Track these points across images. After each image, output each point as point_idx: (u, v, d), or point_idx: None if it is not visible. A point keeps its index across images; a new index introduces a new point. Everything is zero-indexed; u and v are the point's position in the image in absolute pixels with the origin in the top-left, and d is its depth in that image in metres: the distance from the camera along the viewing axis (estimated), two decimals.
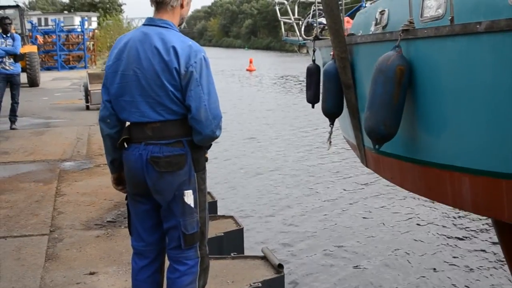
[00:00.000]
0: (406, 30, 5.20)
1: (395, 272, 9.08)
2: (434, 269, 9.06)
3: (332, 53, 6.70)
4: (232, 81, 43.58)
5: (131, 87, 3.91)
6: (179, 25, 4.15)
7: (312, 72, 8.17)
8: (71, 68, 42.57)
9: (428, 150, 5.38)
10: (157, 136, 3.89)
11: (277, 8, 11.10)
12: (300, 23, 10.37)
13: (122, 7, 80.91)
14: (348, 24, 7.75)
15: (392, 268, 9.23)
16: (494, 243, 9.47)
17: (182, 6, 4.09)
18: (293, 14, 10.41)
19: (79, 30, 45.12)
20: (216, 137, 3.99)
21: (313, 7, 10.79)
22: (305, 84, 8.45)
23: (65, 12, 65.98)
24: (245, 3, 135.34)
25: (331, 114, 7.06)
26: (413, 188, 6.05)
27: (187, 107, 3.86)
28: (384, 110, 5.19)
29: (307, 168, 15.93)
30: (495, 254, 9.26)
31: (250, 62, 54.04)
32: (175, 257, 4.04)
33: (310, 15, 10.74)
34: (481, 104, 4.71)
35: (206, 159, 4.15)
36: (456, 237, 10.30)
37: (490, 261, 9.14)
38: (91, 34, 47.23)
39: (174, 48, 3.83)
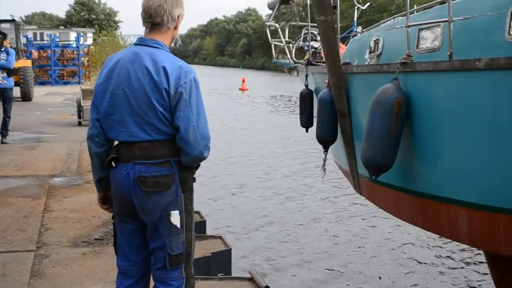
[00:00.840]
0: (404, 63, 5.25)
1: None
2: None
3: (327, 80, 6.73)
4: (224, 100, 43.69)
5: (121, 106, 3.89)
6: (169, 45, 4.11)
7: (305, 97, 8.25)
8: (65, 83, 42.58)
9: (424, 181, 5.41)
10: (145, 156, 3.87)
11: (267, 30, 11.14)
12: (291, 46, 10.42)
13: (118, 24, 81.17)
14: (341, 50, 7.80)
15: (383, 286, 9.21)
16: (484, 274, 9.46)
17: (176, 27, 4.07)
18: (284, 37, 10.44)
19: (74, 45, 45.22)
20: (204, 158, 3.97)
21: (304, 30, 10.88)
22: (296, 104, 8.53)
23: (61, 27, 66.22)
24: (241, 23, 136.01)
25: (326, 141, 7.10)
26: (408, 218, 6.06)
27: (176, 127, 3.85)
28: (382, 141, 5.24)
29: (296, 187, 15.91)
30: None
31: (243, 81, 54.21)
32: (160, 278, 4.00)
33: (301, 38, 10.81)
34: (480, 139, 4.75)
35: (194, 180, 4.12)
36: (445, 262, 10.29)
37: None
38: (86, 50, 47.35)
39: (164, 68, 3.82)
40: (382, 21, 7.71)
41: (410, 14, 6.59)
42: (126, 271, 4.13)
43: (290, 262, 10.30)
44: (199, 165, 4.11)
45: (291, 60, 10.18)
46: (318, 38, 9.88)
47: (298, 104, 8.48)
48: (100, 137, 4.04)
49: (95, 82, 4.16)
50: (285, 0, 10.66)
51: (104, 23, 75.37)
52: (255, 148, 22.54)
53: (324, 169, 7.74)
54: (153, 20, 3.95)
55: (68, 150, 14.13)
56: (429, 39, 5.60)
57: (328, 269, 10.12)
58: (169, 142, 3.89)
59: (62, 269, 6.27)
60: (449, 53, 4.87)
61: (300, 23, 11.00)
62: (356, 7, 10.06)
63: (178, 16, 4.02)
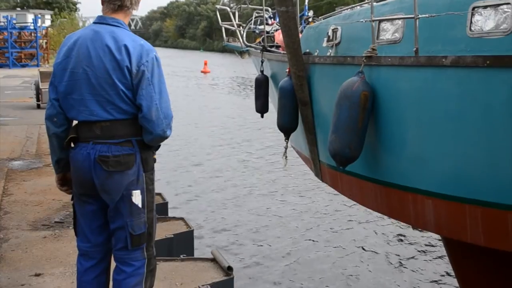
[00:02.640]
0: (369, 57, 5.33)
1: (344, 273, 9.16)
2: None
3: (288, 69, 6.77)
4: (186, 82, 43.46)
5: (81, 85, 3.82)
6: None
7: (261, 83, 8.30)
8: (23, 66, 41.88)
9: (390, 171, 5.52)
10: (106, 135, 3.81)
11: (218, 14, 11.13)
12: (242, 29, 10.41)
13: (77, 6, 79.88)
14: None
15: (341, 269, 9.31)
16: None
17: (134, 7, 4.05)
18: (235, 20, 10.40)
19: (32, 27, 44.42)
20: (167, 137, 3.93)
21: (255, 14, 10.87)
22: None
23: (18, 9, 64.85)
24: (202, 5, 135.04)
25: (287, 129, 7.13)
26: (374, 206, 6.16)
27: (138, 106, 3.81)
28: (349, 134, 5.32)
29: (259, 167, 16.00)
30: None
31: (205, 64, 53.97)
32: (122, 258, 3.95)
33: (252, 22, 10.80)
34: (445, 132, 4.87)
35: (155, 160, 4.06)
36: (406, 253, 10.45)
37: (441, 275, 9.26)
38: (44, 32, 46.56)
39: (126, 46, 3.78)
40: (339, 10, 7.75)
41: (367, 5, 6.63)
42: (87, 253, 4.07)
43: (252, 246, 10.35)
44: (159, 146, 4.08)
45: (242, 44, 10.20)
46: (269, 21, 9.87)
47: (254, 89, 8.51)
48: (59, 117, 3.96)
49: (54, 61, 4.07)
50: None
51: (63, 5, 74.00)
52: (218, 129, 22.53)
53: (286, 157, 7.74)
54: (122, 2, 3.94)
55: (27, 133, 13.93)
56: (390, 31, 5.66)
57: (289, 247, 10.22)
58: (131, 122, 3.85)
59: (22, 252, 6.18)
60: (415, 48, 4.94)
61: (250, 6, 10.99)
62: None
63: None
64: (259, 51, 8.91)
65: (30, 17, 49.18)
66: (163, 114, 3.84)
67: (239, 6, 10.89)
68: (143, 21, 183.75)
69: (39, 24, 45.41)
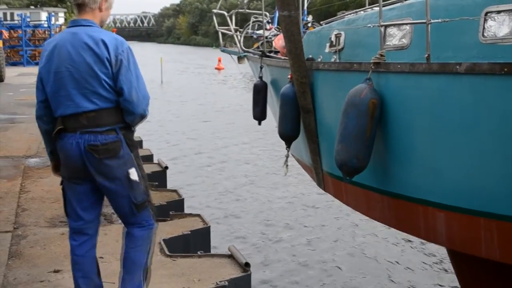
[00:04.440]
0: (377, 63, 5.17)
1: (364, 274, 9.15)
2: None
3: (290, 76, 6.60)
4: (200, 79, 43.50)
5: (65, 82, 4.24)
6: (101, 25, 4.47)
7: (260, 89, 8.14)
8: (37, 64, 41.94)
9: (399, 182, 5.35)
10: (92, 124, 4.23)
11: (214, 18, 10.95)
12: (239, 34, 10.24)
13: None
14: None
15: (360, 270, 9.31)
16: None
17: (100, 9, 4.44)
18: (232, 25, 10.18)
19: (45, 25, 44.62)
20: (146, 116, 4.40)
21: (252, 18, 10.72)
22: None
23: (32, 7, 65.15)
24: (214, 2, 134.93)
25: (289, 137, 6.95)
26: (380, 218, 6.00)
27: (119, 90, 4.24)
28: (357, 143, 5.17)
29: (276, 168, 15.98)
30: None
31: (219, 60, 53.94)
32: (133, 223, 4.45)
33: (250, 26, 10.67)
34: (460, 142, 4.70)
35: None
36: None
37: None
38: (58, 29, 46.62)
39: (103, 41, 4.22)
40: (341, 15, 7.57)
41: (371, 9, 6.52)
42: (80, 230, 4.50)
43: (269, 242, 10.37)
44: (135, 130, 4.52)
45: (240, 49, 9.99)
46: (268, 26, 9.72)
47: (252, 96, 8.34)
48: (47, 116, 4.43)
49: (38, 66, 4.50)
50: None
51: None
52: (233, 126, 22.54)
53: (287, 166, 7.57)
54: (77, 1, 4.38)
55: None
56: (397, 37, 5.52)
57: (307, 246, 10.21)
58: (113, 110, 4.28)
59: (41, 249, 6.22)
60: (426, 55, 4.79)
61: (248, 10, 10.86)
62: None
63: (102, 0, 4.40)
64: (257, 56, 8.70)
65: (44, 15, 49.38)
66: (142, 96, 4.31)
67: (237, 10, 10.73)
68: (156, 18, 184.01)
69: (52, 22, 45.57)
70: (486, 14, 4.65)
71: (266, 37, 8.96)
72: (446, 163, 4.87)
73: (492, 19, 4.62)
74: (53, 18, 46.73)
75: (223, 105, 29.35)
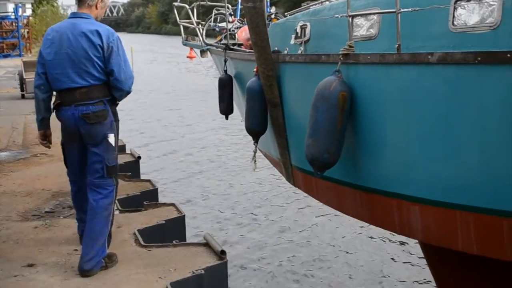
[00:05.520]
0: (346, 54, 5.06)
1: (341, 261, 9.22)
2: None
3: (255, 69, 6.47)
4: (172, 68, 43.28)
5: (63, 62, 5.29)
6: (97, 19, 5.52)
7: (225, 83, 7.98)
8: (5, 56, 41.53)
9: (372, 176, 5.27)
10: (84, 98, 5.30)
11: (175, 11, 10.77)
12: (201, 27, 10.08)
13: None
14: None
15: (337, 255, 9.37)
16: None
17: (96, 7, 5.49)
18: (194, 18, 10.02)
19: (12, 17, 43.98)
20: (130, 92, 5.52)
21: (214, 11, 10.58)
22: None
23: None
24: None
25: (256, 132, 6.81)
26: (353, 213, 5.88)
27: (110, 71, 5.30)
28: (328, 137, 5.04)
29: (247, 154, 15.99)
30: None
31: (191, 49, 53.56)
32: (98, 184, 5.39)
33: (212, 19, 10.53)
34: (433, 134, 4.62)
35: None
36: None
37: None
38: (25, 21, 46.08)
39: (97, 31, 5.29)
40: (305, 5, 7.41)
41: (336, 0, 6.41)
42: (75, 179, 5.71)
43: (244, 230, 10.39)
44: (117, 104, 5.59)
45: (202, 42, 9.82)
46: (230, 19, 9.55)
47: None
48: (45, 86, 5.48)
49: (40, 48, 5.53)
50: None
51: None
52: (205, 115, 22.49)
53: (255, 161, 7.39)
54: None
55: (13, 123, 13.83)
56: (364, 27, 5.40)
57: (283, 232, 10.24)
58: (102, 87, 5.35)
59: (14, 244, 6.14)
60: (397, 45, 4.70)
61: (209, 3, 10.73)
62: None
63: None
64: (221, 49, 8.51)
65: (10, 7, 48.61)
66: (128, 76, 5.42)
67: (198, 3, 10.58)
68: (125, 8, 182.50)
69: (20, 13, 44.94)
70: (455, 2, 4.57)
71: (229, 30, 8.80)
72: (419, 156, 4.78)
73: (462, 7, 4.54)
74: (20, 10, 46.04)
75: (194, 93, 29.25)
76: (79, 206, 5.77)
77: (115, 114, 5.51)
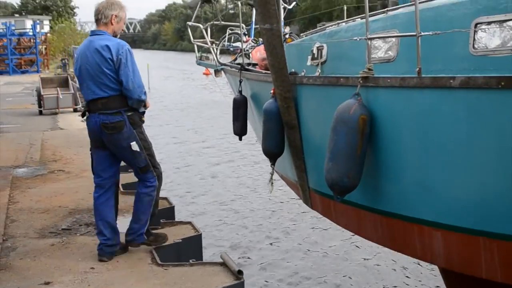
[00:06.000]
0: (365, 78, 5.04)
1: (358, 279, 9.14)
2: None
3: (272, 91, 6.45)
4: (188, 84, 43.38)
5: (85, 77, 5.89)
6: (115, 35, 6.02)
7: (239, 104, 7.97)
8: (23, 72, 41.83)
9: (392, 201, 5.21)
10: (104, 108, 5.83)
11: (189, 31, 10.79)
12: (215, 47, 10.07)
13: (75, 11, 79.84)
14: (259, 48, 7.45)
15: (354, 274, 9.29)
16: None
17: (111, 23, 5.97)
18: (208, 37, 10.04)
19: (30, 33, 44.39)
20: (143, 100, 5.94)
21: (228, 31, 10.57)
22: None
23: (16, 15, 64.80)
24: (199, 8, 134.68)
25: (273, 154, 6.78)
26: (373, 238, 5.82)
27: (121, 81, 5.77)
28: (348, 161, 5.01)
29: (265, 173, 15.96)
30: None
31: None
32: (140, 178, 6.09)
33: (226, 39, 10.53)
34: (456, 159, 4.56)
35: (143, 121, 6.06)
36: None
37: None
38: (43, 37, 46.49)
39: (107, 46, 5.80)
40: (321, 26, 7.37)
41: (352, 21, 6.37)
42: (100, 185, 6.08)
43: (262, 249, 10.33)
44: (144, 112, 6.08)
45: (216, 62, 9.78)
46: (244, 38, 9.54)
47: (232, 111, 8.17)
48: None
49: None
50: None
51: (61, 9, 73.94)
52: (221, 133, 22.49)
53: (272, 183, 7.35)
54: (95, 16, 6.01)
55: (30, 140, 13.89)
56: (382, 49, 5.36)
57: (300, 251, 10.18)
58: (119, 97, 5.84)
59: (31, 261, 6.14)
60: (417, 69, 4.66)
61: (223, 23, 10.74)
62: (282, 6, 9.78)
63: (112, 16, 5.93)
64: (235, 69, 8.50)
65: (28, 23, 49.13)
66: (137, 85, 5.84)
67: (212, 22, 10.59)
68: (142, 25, 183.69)
69: (38, 30, 45.38)
70: (476, 25, 4.52)
71: (245, 50, 8.78)
72: (441, 181, 4.72)
73: (483, 30, 4.50)
74: (38, 26, 46.51)
75: (210, 110, 29.30)
76: (101, 213, 6.05)
77: (134, 123, 5.91)
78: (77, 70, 6.04)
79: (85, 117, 6.12)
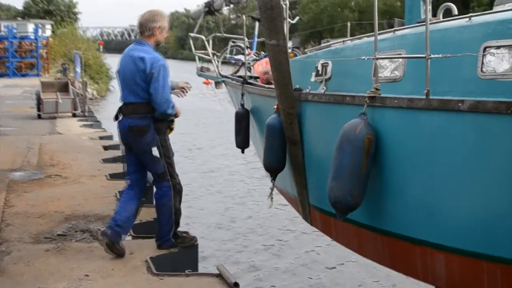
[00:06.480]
0: (372, 97, 5.04)
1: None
2: None
3: (276, 106, 6.47)
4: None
5: (123, 82, 6.29)
6: (157, 45, 6.43)
7: (242, 117, 7.98)
8: (23, 75, 41.77)
9: (395, 221, 5.19)
10: (133, 112, 6.19)
11: (191, 42, 10.79)
12: (216, 58, 10.06)
13: (78, 16, 79.91)
14: (268, 65, 7.53)
15: (356, 280, 9.24)
16: None
17: (155, 34, 6.33)
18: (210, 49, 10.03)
19: (32, 37, 44.37)
20: (168, 114, 6.20)
21: (230, 43, 10.57)
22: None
23: (19, 18, 64.84)
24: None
25: (274, 169, 6.78)
26: (373, 257, 5.83)
27: (150, 94, 6.10)
28: (352, 180, 5.01)
29: (263, 182, 15.91)
30: None
31: None
32: (156, 185, 6.42)
33: (228, 51, 10.52)
34: (462, 181, 4.55)
35: (172, 129, 6.46)
36: None
37: None
38: (45, 41, 46.42)
39: (143, 58, 6.14)
40: (326, 43, 7.36)
41: (358, 39, 6.35)
42: (128, 179, 6.55)
43: (258, 257, 10.27)
44: (173, 120, 6.39)
45: (218, 74, 9.78)
46: (247, 51, 9.57)
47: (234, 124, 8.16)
48: None
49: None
50: (210, 11, 10.43)
51: (64, 14, 73.95)
52: (219, 141, 22.46)
53: (272, 198, 7.29)
54: (139, 29, 6.37)
55: (28, 143, 13.83)
56: (389, 69, 5.36)
57: (298, 264, 10.13)
58: (147, 104, 6.16)
59: (25, 266, 6.08)
60: (426, 91, 4.65)
61: (225, 35, 10.74)
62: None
63: (154, 27, 6.30)
64: (237, 82, 8.48)
65: (30, 27, 49.17)
66: (164, 99, 6.11)
67: (214, 34, 10.61)
68: None
69: (39, 33, 45.35)
70: (484, 49, 4.51)
71: (238, 60, 8.77)
72: (446, 203, 4.70)
73: (491, 54, 4.48)
74: (40, 30, 46.47)
75: (207, 120, 29.27)
76: (121, 204, 6.43)
77: (159, 129, 6.22)
78: (117, 73, 6.48)
79: (117, 120, 6.37)
